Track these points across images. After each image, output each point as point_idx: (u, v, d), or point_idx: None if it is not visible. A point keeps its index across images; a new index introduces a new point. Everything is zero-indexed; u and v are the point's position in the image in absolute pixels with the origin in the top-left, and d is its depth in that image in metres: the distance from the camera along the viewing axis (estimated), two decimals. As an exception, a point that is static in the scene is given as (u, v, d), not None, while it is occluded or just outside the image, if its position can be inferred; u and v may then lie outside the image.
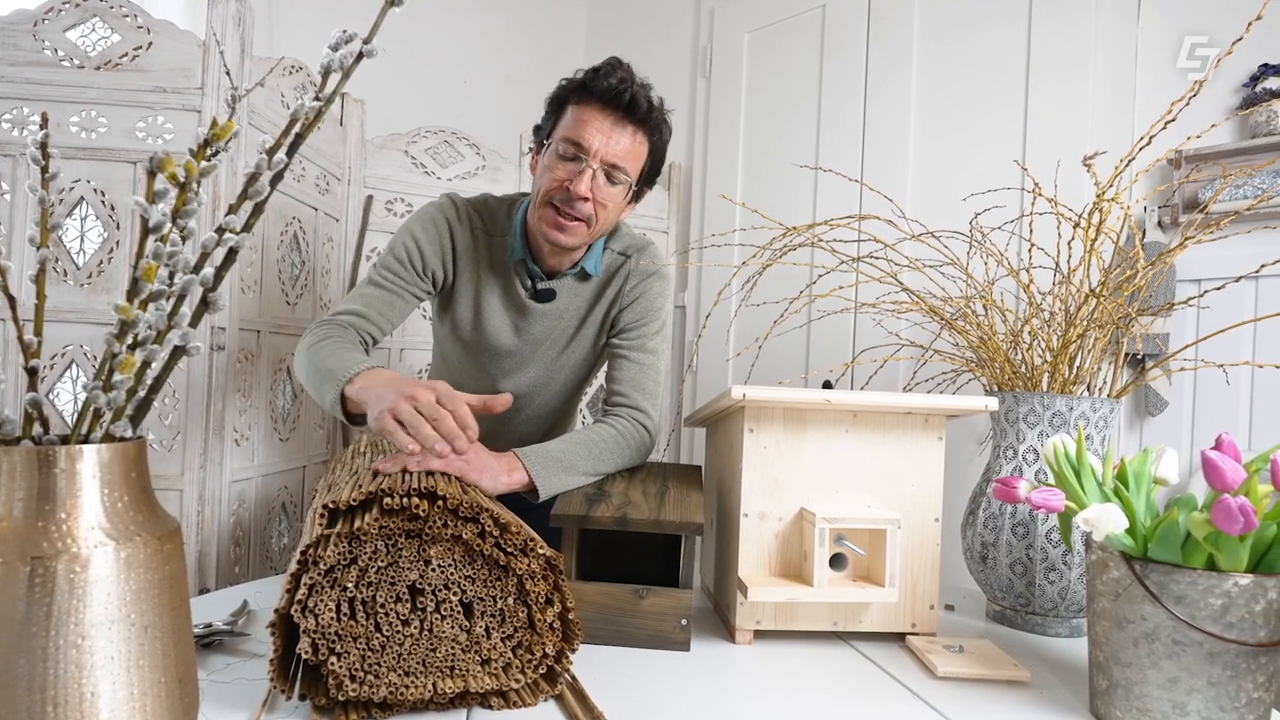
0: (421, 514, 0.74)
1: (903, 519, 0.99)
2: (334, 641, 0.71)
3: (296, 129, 0.61)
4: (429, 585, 0.75)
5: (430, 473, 0.89)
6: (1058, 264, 1.24)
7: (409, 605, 0.74)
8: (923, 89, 2.24)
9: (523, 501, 1.10)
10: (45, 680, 0.52)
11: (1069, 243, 1.22)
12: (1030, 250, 1.27)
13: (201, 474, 1.48)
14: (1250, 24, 1.15)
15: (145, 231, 0.57)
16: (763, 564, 1.00)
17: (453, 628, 0.74)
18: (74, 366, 1.47)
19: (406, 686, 0.72)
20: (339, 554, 0.72)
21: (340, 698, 0.71)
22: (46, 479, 0.55)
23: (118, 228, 1.48)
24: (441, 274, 1.36)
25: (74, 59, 1.48)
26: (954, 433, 1.76)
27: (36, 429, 0.58)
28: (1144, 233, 1.84)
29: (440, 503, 0.75)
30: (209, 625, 0.90)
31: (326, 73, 0.60)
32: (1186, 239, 1.12)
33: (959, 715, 0.79)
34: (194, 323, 0.60)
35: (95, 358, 1.46)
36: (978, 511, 1.16)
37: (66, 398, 1.46)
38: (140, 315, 0.57)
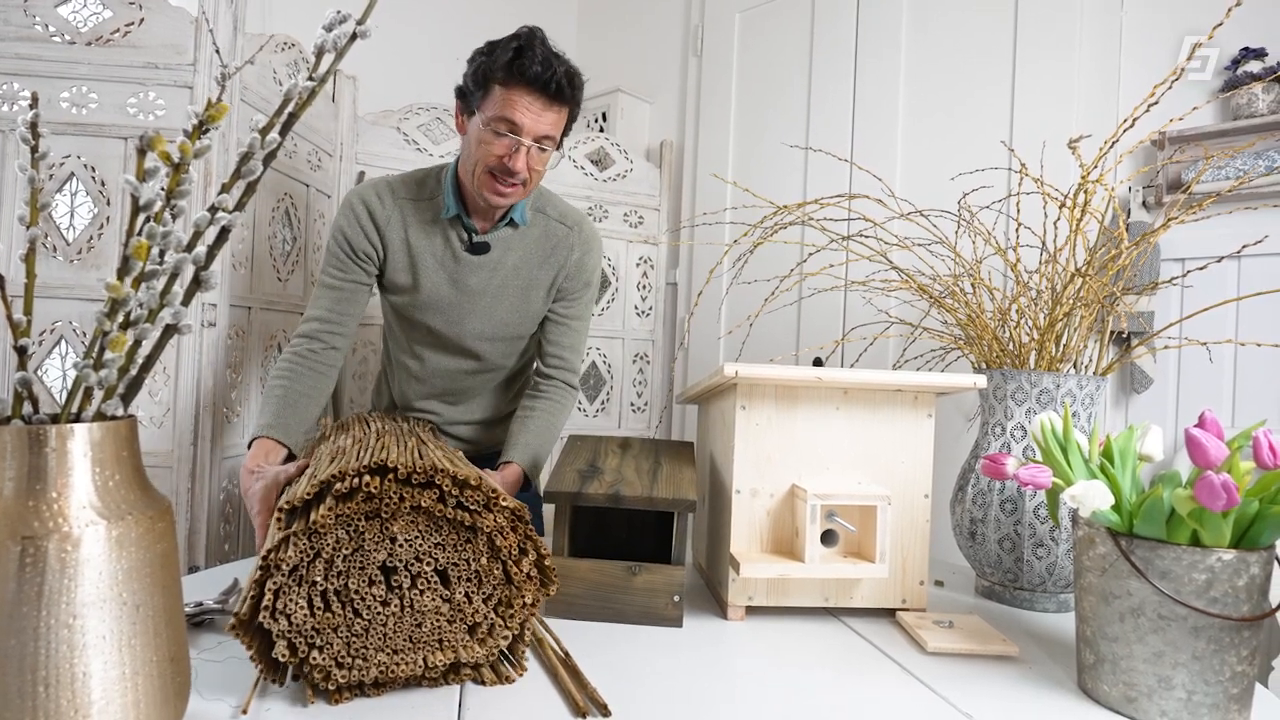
0: (375, 491, 0.72)
1: (893, 495, 1.00)
2: (312, 636, 0.70)
3: (290, 108, 0.60)
4: (400, 562, 0.73)
5: (383, 445, 0.88)
6: (1044, 243, 1.24)
7: (384, 585, 0.73)
8: (911, 70, 2.24)
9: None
10: (37, 660, 0.52)
11: (1055, 222, 1.23)
12: (1017, 229, 1.27)
13: (192, 451, 1.48)
14: (1230, 9, 1.15)
15: (136, 210, 0.56)
16: (754, 540, 1.01)
17: (433, 599, 0.73)
18: (63, 343, 1.46)
19: (396, 664, 0.72)
20: (300, 552, 0.70)
21: (330, 687, 0.71)
22: (37, 458, 0.54)
23: (108, 204, 1.47)
24: (373, 251, 1.44)
25: (65, 34, 1.46)
26: (943, 409, 1.77)
27: (26, 408, 0.57)
28: (1129, 213, 1.85)
29: (392, 475, 0.73)
30: (200, 604, 0.90)
31: (320, 52, 0.60)
32: (1170, 219, 1.12)
33: (949, 690, 0.80)
34: (186, 301, 0.60)
35: (84, 334, 1.45)
36: (966, 488, 1.17)
37: (55, 374, 1.45)
38: (131, 293, 0.57)
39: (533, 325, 1.54)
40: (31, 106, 0.58)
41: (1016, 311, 1.20)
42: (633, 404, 2.71)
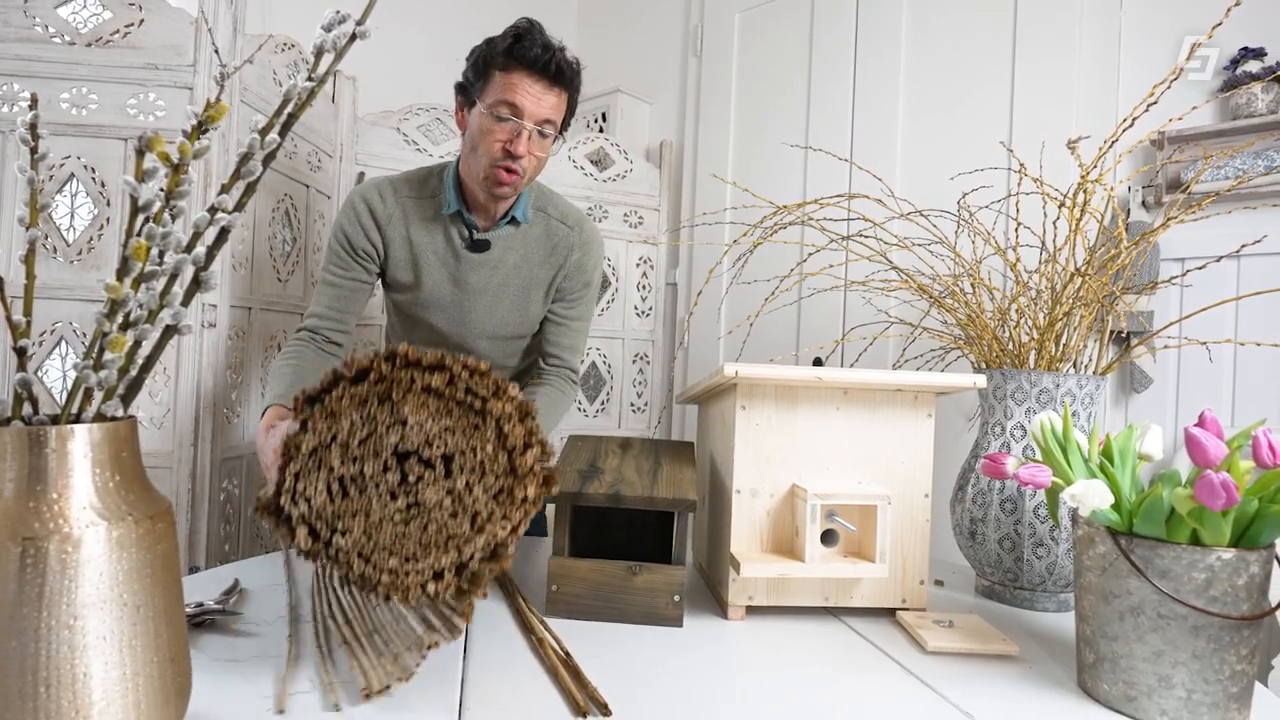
0: (386, 372, 0.73)
1: (893, 495, 1.00)
2: (334, 521, 0.71)
3: (289, 109, 0.60)
4: (411, 447, 0.74)
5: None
6: (1044, 243, 1.25)
7: (397, 476, 0.73)
8: (911, 70, 2.24)
9: None
10: (37, 661, 0.52)
11: (1055, 222, 1.23)
12: (1017, 229, 1.27)
13: (192, 451, 1.48)
14: (1229, 10, 1.15)
15: (135, 210, 0.56)
16: (755, 540, 1.01)
17: (437, 493, 0.74)
18: (63, 343, 1.46)
19: (406, 572, 0.72)
20: (318, 435, 0.72)
21: (354, 575, 0.71)
22: (38, 459, 0.54)
23: (108, 204, 1.47)
24: (373, 249, 1.44)
25: (65, 35, 1.46)
26: (943, 409, 1.77)
27: (26, 409, 0.58)
28: (1128, 212, 1.85)
29: (403, 357, 0.75)
30: (200, 604, 0.90)
31: (319, 53, 0.60)
32: (1169, 219, 1.12)
33: (949, 689, 0.80)
34: (186, 301, 0.60)
35: (84, 335, 1.45)
36: (966, 487, 1.17)
37: (55, 374, 1.46)
38: (131, 294, 0.57)
39: (533, 325, 1.54)
40: (31, 107, 0.58)
41: (1016, 311, 1.21)
42: (633, 404, 2.71)
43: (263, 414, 1.27)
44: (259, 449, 1.16)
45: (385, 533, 0.72)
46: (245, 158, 0.59)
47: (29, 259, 0.59)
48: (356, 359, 0.76)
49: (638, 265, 2.68)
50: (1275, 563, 0.74)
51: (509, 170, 1.36)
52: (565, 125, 1.44)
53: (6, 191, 1.43)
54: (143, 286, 0.57)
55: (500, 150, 1.34)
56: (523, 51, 1.32)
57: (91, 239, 1.47)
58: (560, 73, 1.35)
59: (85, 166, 1.46)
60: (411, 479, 0.74)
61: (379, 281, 1.49)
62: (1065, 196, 1.18)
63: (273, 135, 0.60)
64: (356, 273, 1.43)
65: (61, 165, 1.45)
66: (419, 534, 0.73)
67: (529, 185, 1.48)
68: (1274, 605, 0.73)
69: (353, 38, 0.60)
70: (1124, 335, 1.84)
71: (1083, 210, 1.15)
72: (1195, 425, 0.74)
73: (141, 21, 1.48)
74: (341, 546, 0.71)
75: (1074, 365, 1.18)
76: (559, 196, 1.56)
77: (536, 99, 1.34)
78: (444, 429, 0.75)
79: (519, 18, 1.36)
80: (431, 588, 0.72)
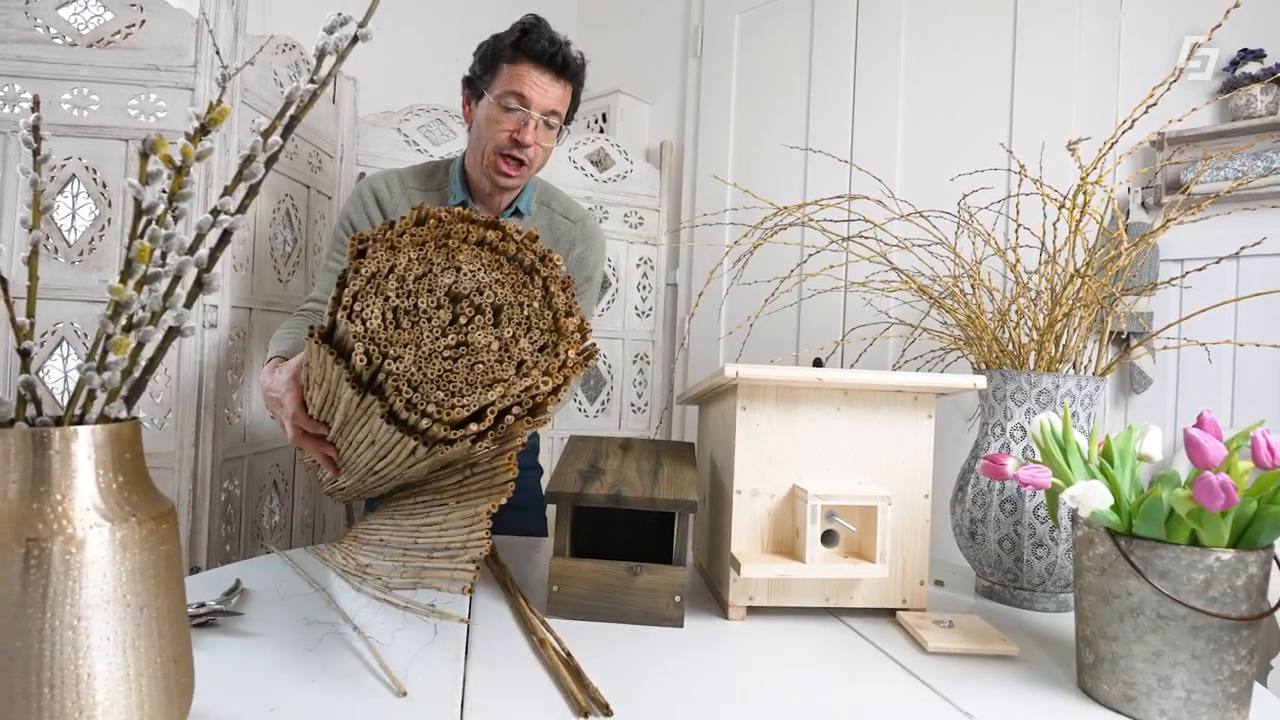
0: (445, 219, 0.78)
1: (893, 496, 1.00)
2: (386, 346, 0.74)
3: (292, 111, 0.60)
4: (463, 291, 0.78)
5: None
6: (1044, 244, 1.25)
7: (449, 315, 0.77)
8: (911, 70, 2.24)
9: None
10: (42, 662, 0.52)
11: (1054, 223, 1.23)
12: (1017, 230, 1.27)
13: (193, 452, 1.48)
14: (1229, 11, 1.15)
15: (139, 213, 0.57)
16: (755, 540, 1.01)
17: (486, 337, 0.77)
18: (64, 344, 1.46)
19: (453, 406, 0.74)
20: (378, 262, 0.75)
21: (399, 406, 0.73)
22: (41, 461, 0.55)
23: (109, 205, 1.47)
24: None
25: (66, 36, 1.47)
26: (942, 409, 1.77)
27: (30, 410, 0.58)
28: (1128, 214, 1.86)
29: (461, 212, 0.80)
30: (202, 605, 0.90)
31: (321, 55, 0.60)
32: (1169, 220, 1.12)
33: (949, 689, 0.80)
34: (189, 303, 0.60)
35: (85, 335, 1.46)
36: (966, 488, 1.17)
37: (56, 375, 1.46)
38: (134, 296, 0.57)
39: None
40: (34, 109, 0.58)
41: (1016, 312, 1.21)
42: (633, 404, 2.71)
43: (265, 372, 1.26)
44: (265, 389, 1.14)
45: (434, 366, 0.75)
46: (248, 160, 0.59)
47: (32, 260, 0.59)
48: (418, 207, 0.81)
49: (638, 266, 2.68)
50: (1274, 563, 0.74)
51: (516, 160, 1.39)
52: (570, 118, 1.47)
53: (8, 192, 1.44)
54: (146, 288, 0.58)
55: (507, 139, 1.38)
56: (530, 44, 1.36)
57: (93, 240, 1.47)
58: (566, 64, 1.39)
59: (86, 167, 1.46)
60: (462, 321, 0.77)
61: None
62: (1065, 198, 1.18)
63: (275, 137, 0.60)
64: None
65: (63, 166, 1.45)
66: (465, 372, 0.76)
67: (533, 178, 1.50)
68: (1273, 606, 0.73)
69: (355, 40, 0.61)
70: (1123, 336, 1.84)
71: (1082, 211, 1.15)
72: (1194, 426, 0.74)
73: (143, 22, 1.48)
74: (393, 371, 0.73)
75: (1074, 366, 1.18)
76: (562, 193, 1.58)
77: (543, 90, 1.38)
78: (495, 280, 0.79)
79: (525, 14, 1.40)
80: (474, 427, 0.74)
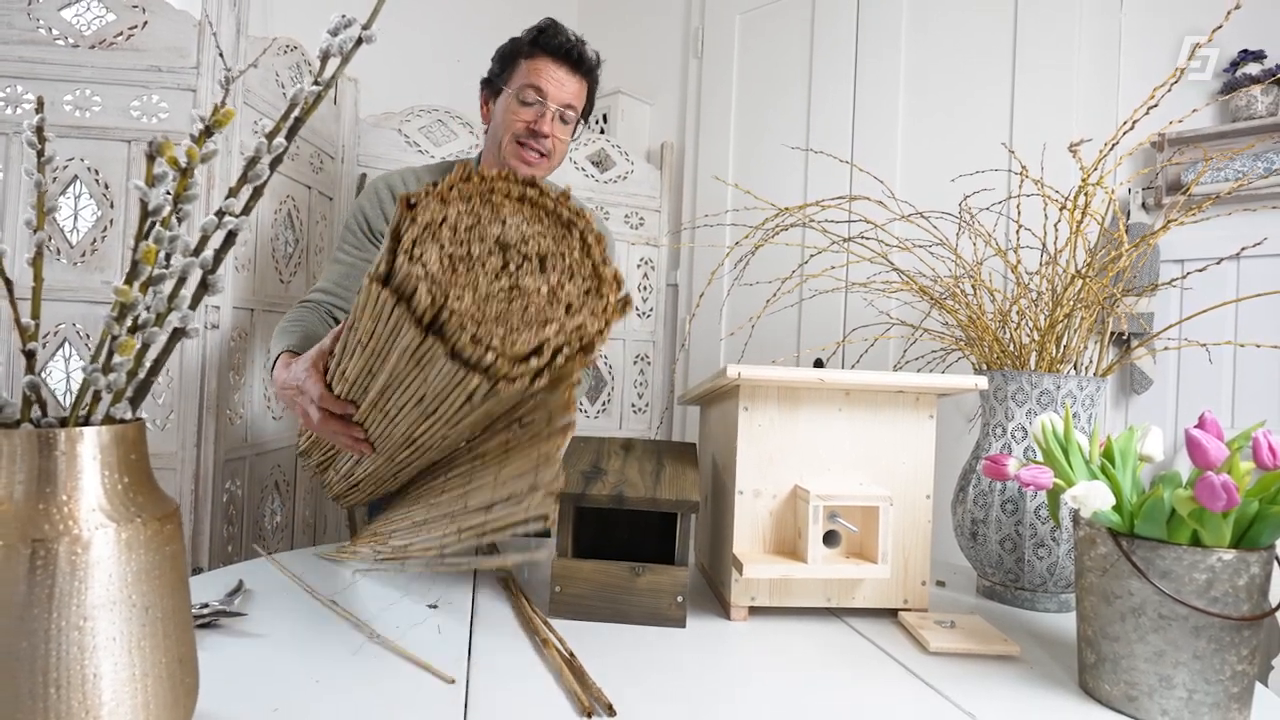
0: (488, 176, 0.84)
1: (895, 496, 1.00)
2: (448, 287, 0.77)
3: (296, 113, 0.61)
4: (510, 241, 0.83)
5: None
6: (1044, 245, 1.25)
7: (500, 260, 0.81)
8: (911, 72, 2.24)
9: None
10: (48, 662, 0.53)
11: (1055, 224, 1.23)
12: (1018, 231, 1.27)
13: (195, 453, 1.48)
14: (1229, 12, 1.16)
15: (145, 215, 0.57)
16: (757, 541, 1.01)
17: (535, 281, 0.81)
18: (66, 345, 1.46)
19: (514, 340, 0.77)
20: (430, 212, 0.79)
21: (464, 343, 0.75)
22: (47, 461, 0.55)
23: (111, 206, 1.47)
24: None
25: (68, 38, 1.47)
26: (944, 410, 1.77)
27: (35, 411, 0.58)
28: (1128, 214, 1.86)
29: (500, 173, 0.85)
30: (205, 605, 0.90)
31: (325, 57, 0.60)
32: (1169, 221, 1.13)
33: (951, 689, 0.81)
34: (193, 305, 0.60)
35: (88, 336, 1.46)
36: (968, 488, 1.17)
37: (59, 376, 1.46)
38: (139, 298, 0.57)
39: None
40: (37, 111, 0.59)
41: (1017, 313, 1.21)
42: (634, 405, 2.71)
43: (271, 366, 1.25)
44: (281, 384, 1.15)
45: (492, 307, 0.79)
46: (253, 161, 0.60)
47: (36, 262, 0.59)
48: (461, 166, 0.86)
49: (639, 266, 2.69)
50: (1275, 563, 0.74)
51: (537, 151, 1.44)
52: (585, 115, 1.54)
53: (11, 193, 1.44)
54: (151, 290, 0.58)
55: (524, 128, 1.43)
56: (547, 40, 1.44)
57: (95, 241, 1.47)
58: (582, 59, 1.47)
59: (89, 168, 1.46)
60: (512, 267, 0.82)
61: None
62: (1066, 199, 1.18)
63: (280, 139, 0.60)
64: (369, 253, 1.46)
65: (65, 167, 1.45)
66: (520, 313, 0.80)
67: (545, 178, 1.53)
68: (1274, 606, 0.73)
69: (359, 42, 0.61)
70: (1124, 337, 1.84)
71: (1084, 212, 1.15)
72: (1195, 427, 0.75)
73: (145, 24, 1.48)
74: (456, 309, 0.76)
75: (1075, 367, 1.18)
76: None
77: (560, 84, 1.44)
78: (537, 233, 0.84)
79: (542, 18, 1.47)
80: (534, 361, 0.78)
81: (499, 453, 0.91)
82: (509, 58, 1.48)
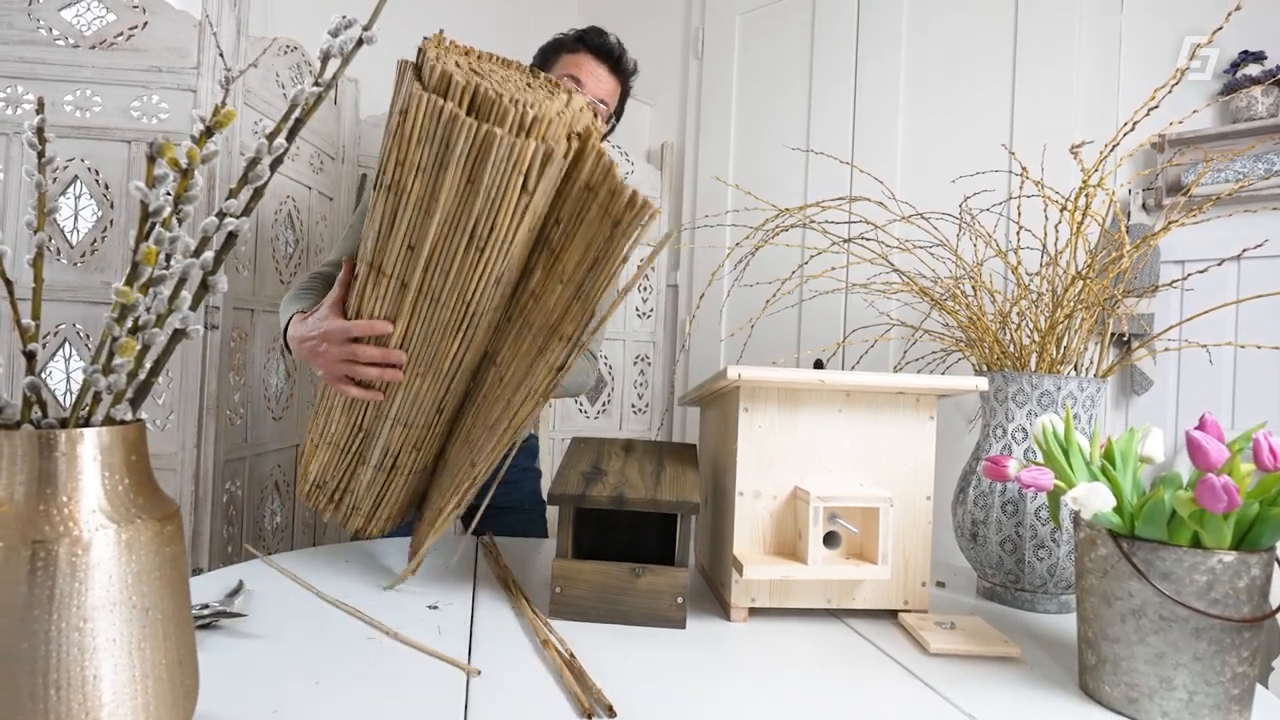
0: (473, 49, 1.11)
1: (895, 497, 1.00)
2: (483, 77, 0.97)
3: (296, 114, 0.61)
4: (510, 78, 1.07)
5: None
6: (1045, 246, 1.25)
7: (505, 80, 1.05)
8: (912, 73, 2.24)
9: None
10: (48, 663, 0.53)
11: (1056, 225, 1.23)
12: (1018, 232, 1.27)
13: (195, 453, 1.48)
14: (1230, 14, 1.16)
15: (145, 216, 0.57)
16: (757, 542, 1.01)
17: (537, 95, 1.01)
18: (66, 345, 1.46)
19: (542, 104, 0.96)
20: (439, 48, 1.03)
21: (507, 106, 0.90)
22: (47, 463, 0.55)
23: (111, 206, 1.47)
24: None
25: (69, 38, 1.47)
26: (944, 411, 1.77)
27: (36, 412, 0.58)
28: (1129, 215, 1.86)
29: None
30: (205, 606, 0.90)
31: (325, 58, 0.60)
32: (1170, 222, 1.13)
33: (951, 691, 0.80)
34: (194, 305, 0.60)
35: (88, 336, 1.46)
36: (968, 490, 1.17)
37: (59, 376, 1.46)
38: (140, 299, 0.57)
39: None
40: (38, 111, 0.58)
41: (1017, 314, 1.21)
42: (634, 406, 2.71)
43: (284, 330, 1.26)
44: (298, 340, 1.17)
45: (514, 90, 0.98)
46: (253, 162, 0.60)
47: (37, 262, 0.59)
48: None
49: (639, 267, 2.68)
50: (1276, 565, 0.74)
51: None
52: (617, 115, 1.62)
53: (11, 194, 1.44)
54: (151, 291, 0.58)
55: None
56: (591, 39, 1.54)
57: (95, 241, 1.47)
58: (621, 61, 1.57)
59: (89, 169, 1.46)
60: (519, 79, 1.07)
61: None
62: (1066, 200, 1.18)
63: (280, 140, 0.60)
64: None
65: (65, 168, 1.45)
66: (538, 96, 1.00)
67: None
68: (1275, 608, 0.73)
69: (359, 43, 0.61)
70: (1125, 338, 1.84)
71: (1084, 213, 1.15)
72: (1196, 428, 0.75)
73: (145, 24, 1.48)
74: (491, 87, 0.91)
75: (1075, 368, 1.18)
76: None
77: (598, 79, 1.54)
78: (526, 85, 1.05)
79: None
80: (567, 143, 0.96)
81: (497, 392, 1.03)
82: (551, 51, 1.56)
